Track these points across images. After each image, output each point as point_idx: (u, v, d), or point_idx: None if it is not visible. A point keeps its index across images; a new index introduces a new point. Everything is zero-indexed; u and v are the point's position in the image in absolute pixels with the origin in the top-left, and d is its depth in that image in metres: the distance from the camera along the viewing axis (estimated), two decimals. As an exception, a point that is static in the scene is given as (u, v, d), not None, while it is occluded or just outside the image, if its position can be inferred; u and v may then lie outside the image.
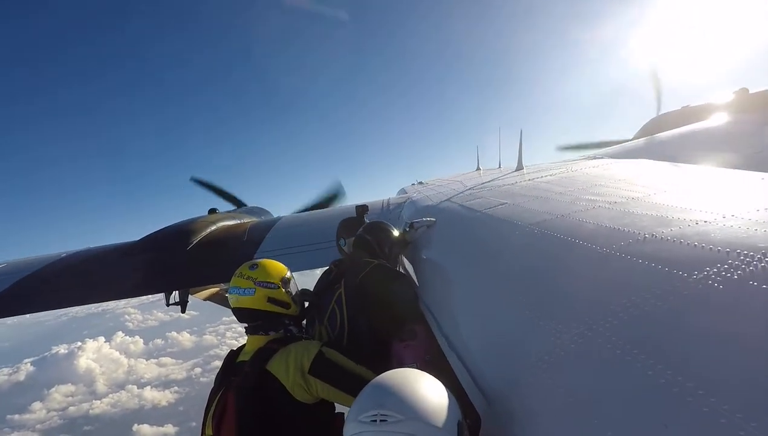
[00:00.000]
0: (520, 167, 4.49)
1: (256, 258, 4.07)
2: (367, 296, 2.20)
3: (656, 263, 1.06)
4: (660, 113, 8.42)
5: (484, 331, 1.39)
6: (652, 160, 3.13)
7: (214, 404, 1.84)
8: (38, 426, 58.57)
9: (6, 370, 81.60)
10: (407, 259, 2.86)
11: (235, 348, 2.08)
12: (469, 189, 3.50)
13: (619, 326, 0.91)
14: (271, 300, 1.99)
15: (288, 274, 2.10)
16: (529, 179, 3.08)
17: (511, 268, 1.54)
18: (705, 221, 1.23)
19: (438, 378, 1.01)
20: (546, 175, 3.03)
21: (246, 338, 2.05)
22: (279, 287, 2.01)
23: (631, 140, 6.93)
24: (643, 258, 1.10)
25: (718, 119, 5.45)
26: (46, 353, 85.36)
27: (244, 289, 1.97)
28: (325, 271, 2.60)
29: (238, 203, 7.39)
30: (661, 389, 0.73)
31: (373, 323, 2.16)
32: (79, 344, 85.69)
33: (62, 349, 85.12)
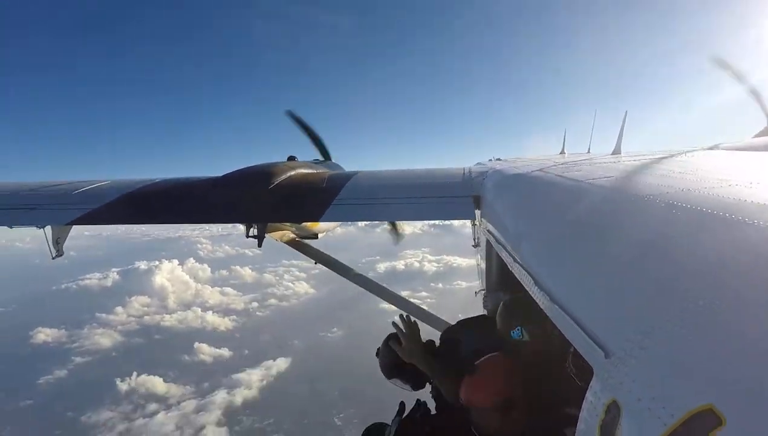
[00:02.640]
0: (617, 151, 4.09)
1: (335, 205, 4.15)
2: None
3: None
4: None
5: (595, 292, 1.26)
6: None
7: None
8: (119, 327, 67.37)
9: (97, 275, 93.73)
10: (492, 224, 2.65)
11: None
12: (562, 163, 3.27)
13: None
14: None
15: None
16: (634, 161, 2.81)
17: (627, 235, 1.38)
18: None
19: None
20: (654, 160, 2.74)
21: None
22: None
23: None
24: None
25: None
26: (130, 266, 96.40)
27: None
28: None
29: (323, 151, 7.42)
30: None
31: None
32: (157, 263, 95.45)
33: (143, 265, 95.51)
